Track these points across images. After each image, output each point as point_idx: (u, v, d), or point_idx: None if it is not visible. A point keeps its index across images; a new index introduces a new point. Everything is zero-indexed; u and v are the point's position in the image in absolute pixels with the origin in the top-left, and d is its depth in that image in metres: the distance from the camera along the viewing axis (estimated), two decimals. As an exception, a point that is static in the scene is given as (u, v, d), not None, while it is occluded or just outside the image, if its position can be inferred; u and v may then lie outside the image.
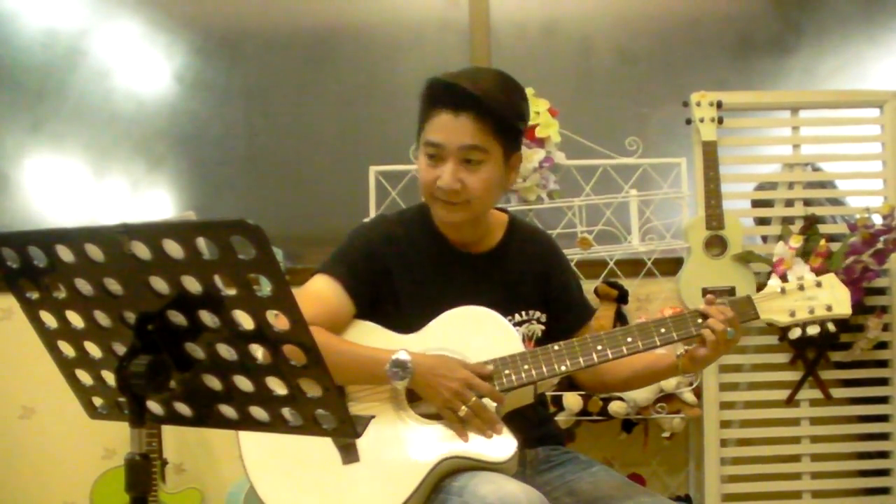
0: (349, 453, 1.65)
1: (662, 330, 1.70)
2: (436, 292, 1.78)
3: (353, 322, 1.78)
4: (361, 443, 1.65)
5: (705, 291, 2.66)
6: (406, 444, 1.65)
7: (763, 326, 2.80)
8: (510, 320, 1.81)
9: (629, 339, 1.70)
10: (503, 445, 1.61)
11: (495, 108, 1.72)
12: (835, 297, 1.76)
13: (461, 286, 1.80)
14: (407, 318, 1.77)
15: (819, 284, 1.77)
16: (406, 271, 1.81)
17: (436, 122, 1.73)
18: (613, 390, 2.00)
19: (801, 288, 1.76)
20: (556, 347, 1.70)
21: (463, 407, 1.62)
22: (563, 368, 1.69)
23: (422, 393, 1.67)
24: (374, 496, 1.61)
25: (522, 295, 1.85)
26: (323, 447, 1.64)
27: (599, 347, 1.69)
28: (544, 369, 1.68)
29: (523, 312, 1.84)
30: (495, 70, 1.81)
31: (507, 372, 1.68)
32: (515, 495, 1.48)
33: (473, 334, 1.73)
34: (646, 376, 1.85)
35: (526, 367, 1.68)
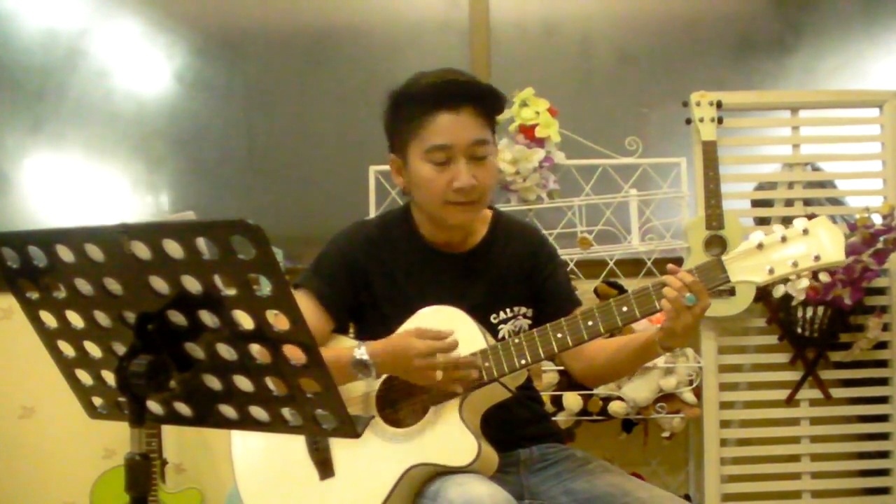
0: (325, 469, 1.70)
1: (624, 308, 1.62)
2: (416, 294, 1.77)
3: (329, 337, 1.81)
4: (336, 457, 1.69)
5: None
6: (376, 455, 1.67)
7: (763, 326, 2.81)
8: (494, 318, 1.81)
9: (590, 323, 1.64)
10: (464, 451, 1.62)
11: (489, 96, 1.73)
12: (823, 245, 1.53)
13: (443, 287, 1.79)
14: (387, 322, 1.76)
15: (806, 232, 1.55)
16: (385, 275, 1.81)
17: (437, 125, 1.70)
18: (606, 376, 1.94)
19: (784, 240, 1.56)
20: (516, 340, 1.68)
21: (437, 373, 1.61)
22: (524, 361, 1.66)
23: (400, 376, 1.69)
24: None
25: (507, 291, 1.83)
26: (304, 463, 1.70)
27: (559, 335, 1.66)
28: (504, 365, 1.66)
29: (508, 310, 1.83)
30: (449, 68, 1.78)
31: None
32: (481, 497, 1.51)
33: None
34: (629, 355, 1.75)
35: (486, 364, 1.67)
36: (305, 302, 1.77)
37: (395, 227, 1.86)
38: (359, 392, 1.74)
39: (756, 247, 1.57)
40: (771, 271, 1.56)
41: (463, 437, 1.63)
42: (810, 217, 1.59)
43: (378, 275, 1.80)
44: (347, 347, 1.69)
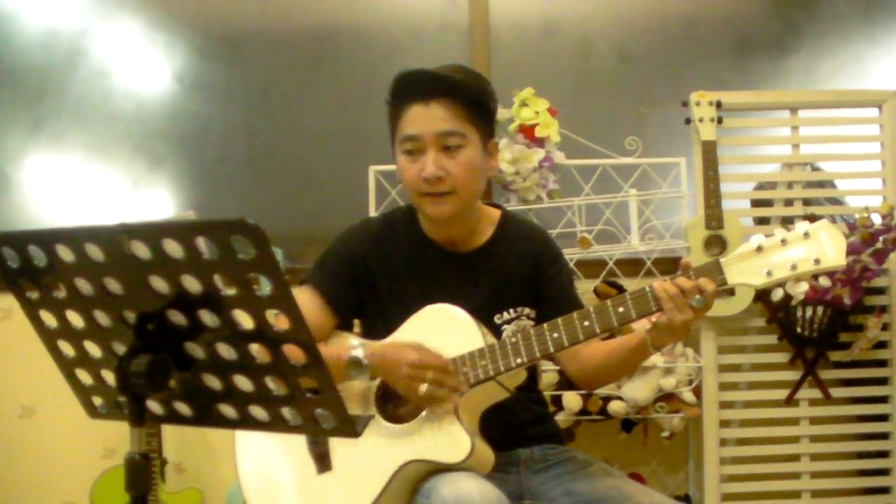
0: (323, 463, 1.71)
1: (621, 309, 1.63)
2: (420, 293, 1.78)
3: (332, 332, 1.82)
4: (334, 452, 1.70)
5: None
6: (373, 451, 1.68)
7: (763, 326, 2.81)
8: (498, 318, 1.81)
9: (586, 323, 1.64)
10: (458, 447, 1.62)
11: (464, 89, 1.73)
12: (824, 249, 1.52)
13: (446, 286, 1.80)
14: (390, 321, 1.77)
15: (807, 235, 1.53)
16: (389, 274, 1.81)
17: (408, 117, 1.74)
18: (600, 380, 1.93)
19: (784, 242, 1.55)
20: (513, 340, 1.68)
21: (422, 386, 1.61)
22: (519, 361, 1.67)
23: (388, 382, 1.70)
24: (342, 503, 1.67)
25: (511, 292, 1.84)
26: (303, 456, 1.72)
27: (555, 335, 1.66)
28: (500, 364, 1.66)
29: (511, 310, 1.83)
30: (455, 63, 1.82)
31: (464, 370, 1.67)
32: (471, 495, 1.51)
33: (436, 333, 1.72)
34: (622, 357, 1.76)
35: (483, 363, 1.67)
36: (309, 298, 1.78)
37: (399, 225, 1.87)
38: (358, 388, 1.75)
39: (755, 249, 1.56)
40: (769, 274, 1.55)
41: (456, 434, 1.63)
42: (812, 220, 1.59)
43: (382, 272, 1.81)
44: (347, 346, 1.70)
